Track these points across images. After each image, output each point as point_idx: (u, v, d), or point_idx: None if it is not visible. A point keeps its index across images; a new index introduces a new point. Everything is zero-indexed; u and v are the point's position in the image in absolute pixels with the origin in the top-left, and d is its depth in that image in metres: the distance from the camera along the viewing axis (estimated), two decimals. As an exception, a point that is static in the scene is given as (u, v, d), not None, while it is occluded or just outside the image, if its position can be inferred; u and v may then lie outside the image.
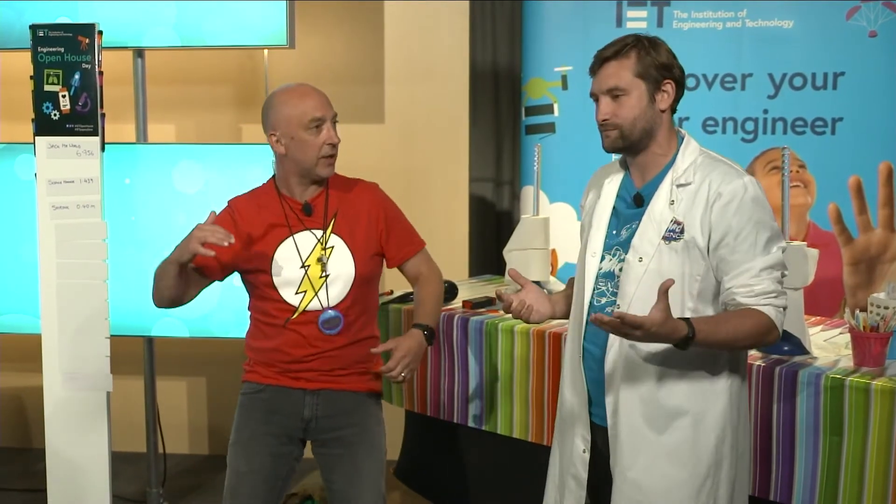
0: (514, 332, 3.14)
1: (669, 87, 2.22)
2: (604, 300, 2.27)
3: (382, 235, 2.73)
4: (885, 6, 3.77)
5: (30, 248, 3.63)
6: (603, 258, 2.29)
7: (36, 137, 3.42)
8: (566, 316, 2.47)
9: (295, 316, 2.63)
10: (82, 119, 3.39)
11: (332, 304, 2.63)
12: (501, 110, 4.54)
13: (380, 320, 3.44)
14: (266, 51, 3.82)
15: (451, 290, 3.48)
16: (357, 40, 4.58)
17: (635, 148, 2.25)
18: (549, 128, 4.07)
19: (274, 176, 2.72)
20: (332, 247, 2.65)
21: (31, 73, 3.38)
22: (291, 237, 2.64)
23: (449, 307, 3.40)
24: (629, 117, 2.20)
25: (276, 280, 2.62)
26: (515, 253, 3.50)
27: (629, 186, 2.31)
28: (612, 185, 2.34)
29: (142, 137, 3.92)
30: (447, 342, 3.30)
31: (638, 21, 3.94)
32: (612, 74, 2.21)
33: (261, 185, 2.74)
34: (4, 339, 4.37)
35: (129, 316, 3.76)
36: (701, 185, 2.17)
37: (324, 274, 2.64)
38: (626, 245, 2.24)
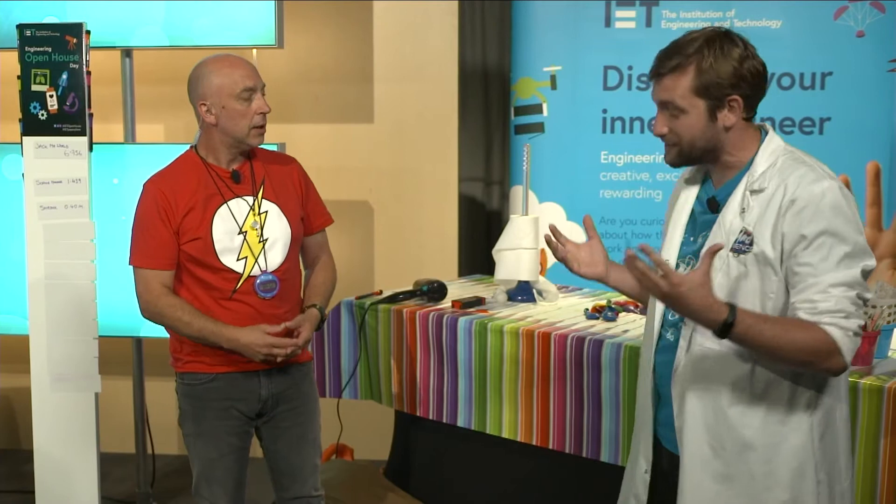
0: (503, 331, 3.14)
1: (737, 102, 1.99)
2: (677, 315, 2.06)
3: (303, 201, 2.79)
4: (873, 6, 3.79)
5: (17, 249, 3.61)
6: (678, 266, 2.11)
7: (23, 137, 3.41)
8: (620, 287, 2.29)
9: (240, 284, 2.64)
10: (70, 119, 3.38)
11: (271, 268, 2.68)
12: (491, 110, 4.54)
13: (370, 321, 3.45)
14: (255, 50, 3.81)
15: (440, 290, 3.48)
16: (346, 40, 4.57)
17: (701, 161, 2.08)
18: (539, 127, 4.07)
19: (195, 147, 2.72)
20: (266, 211, 2.69)
21: (19, 73, 3.37)
22: (225, 204, 2.65)
23: (438, 307, 3.40)
24: (687, 137, 2.02)
25: (217, 247, 2.63)
26: (505, 252, 3.50)
27: (708, 189, 2.12)
28: (692, 188, 2.16)
29: (130, 137, 3.90)
30: (436, 342, 3.30)
31: (627, 21, 3.95)
32: (668, 88, 2.01)
33: (177, 158, 2.74)
34: (-8, 340, 4.35)
35: (118, 316, 3.75)
36: (776, 192, 1.95)
37: (262, 238, 2.66)
38: (698, 254, 2.05)
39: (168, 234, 2.62)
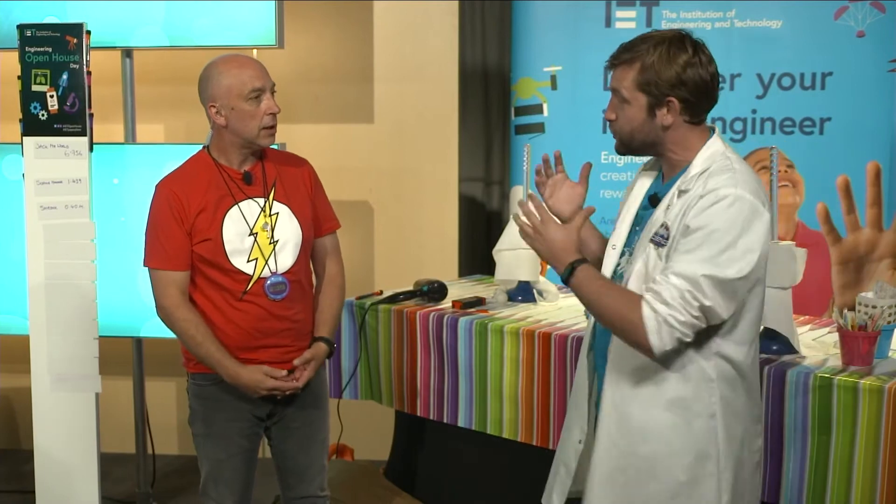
0: (503, 332, 3.14)
1: (673, 104, 2.07)
2: None
3: (313, 204, 2.78)
4: (873, 6, 3.79)
5: (18, 249, 3.61)
6: (623, 254, 2.22)
7: (24, 138, 3.41)
8: (590, 252, 2.34)
9: (250, 286, 2.64)
10: (70, 119, 3.38)
11: (281, 270, 2.67)
12: (491, 110, 4.54)
13: (370, 321, 3.45)
14: (255, 50, 3.81)
15: (440, 290, 3.48)
16: (346, 40, 4.57)
17: (645, 153, 2.19)
18: (539, 128, 4.07)
19: (207, 147, 2.71)
20: (277, 213, 2.68)
21: (19, 73, 3.37)
22: (236, 205, 2.65)
23: (439, 307, 3.40)
24: (626, 128, 2.14)
25: (227, 248, 2.63)
26: (505, 253, 3.50)
27: (657, 184, 2.22)
28: (645, 180, 2.27)
29: (130, 138, 3.90)
30: (437, 342, 3.30)
31: (627, 21, 3.95)
32: (618, 78, 2.14)
33: (189, 158, 2.73)
34: (-8, 340, 4.35)
35: (118, 316, 3.75)
36: (694, 194, 2.04)
37: (273, 240, 2.65)
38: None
39: (182, 234, 2.61)
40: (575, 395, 2.35)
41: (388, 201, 4.62)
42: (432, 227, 4.59)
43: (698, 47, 2.09)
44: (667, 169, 2.19)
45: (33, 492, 3.51)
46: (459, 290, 3.71)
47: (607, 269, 2.22)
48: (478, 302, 3.42)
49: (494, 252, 3.56)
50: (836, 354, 2.74)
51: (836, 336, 2.79)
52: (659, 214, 2.11)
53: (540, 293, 3.53)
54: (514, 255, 3.47)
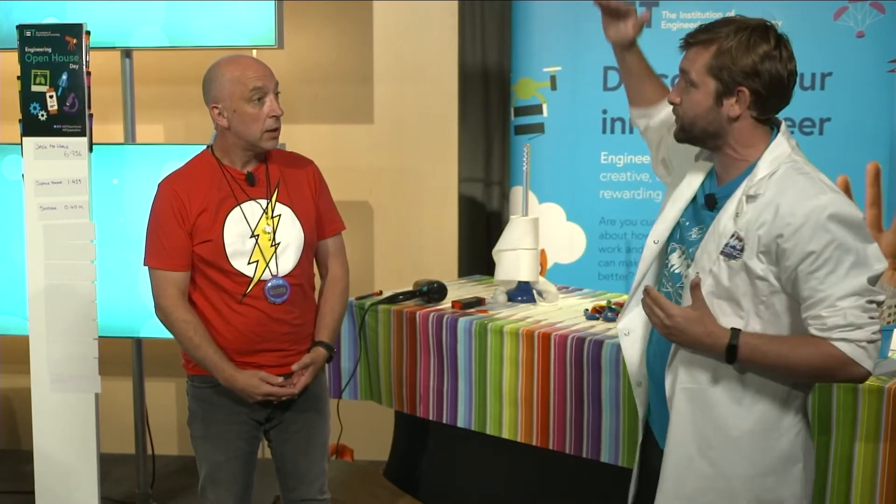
0: (503, 332, 3.14)
1: (744, 94, 1.96)
2: None
3: (317, 205, 2.76)
4: (873, 7, 3.79)
5: (17, 249, 3.61)
6: (674, 250, 2.12)
7: (23, 138, 3.41)
8: (632, 61, 2.32)
9: (250, 288, 2.62)
10: (70, 119, 3.38)
11: (282, 273, 2.65)
12: (491, 110, 4.54)
13: (370, 321, 3.45)
14: (255, 51, 3.80)
15: (440, 291, 3.48)
16: (346, 40, 4.57)
17: (704, 145, 2.07)
18: (539, 128, 4.07)
19: (211, 147, 2.70)
20: (279, 215, 2.66)
21: (19, 74, 3.37)
22: (238, 206, 2.63)
23: (438, 307, 3.40)
24: (689, 114, 2.02)
25: (228, 250, 2.61)
26: (505, 253, 3.50)
27: (711, 183, 2.10)
28: (697, 173, 2.12)
29: (130, 138, 3.90)
30: (436, 343, 3.30)
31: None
32: (690, 58, 2.00)
33: (193, 158, 2.72)
34: (-8, 341, 4.35)
35: (118, 317, 3.75)
36: (770, 203, 1.93)
37: (274, 242, 2.64)
38: (691, 248, 2.07)
39: (183, 234, 2.60)
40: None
41: (387, 201, 4.62)
42: (432, 228, 4.58)
43: (781, 41, 1.99)
44: (721, 168, 2.07)
45: (33, 492, 3.51)
46: (459, 290, 3.71)
47: (645, 262, 2.15)
48: (477, 302, 3.42)
49: (494, 252, 3.56)
50: (836, 355, 2.74)
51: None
52: (726, 223, 1.98)
53: (540, 293, 3.53)
54: (513, 255, 3.47)
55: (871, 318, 1.90)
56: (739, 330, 1.93)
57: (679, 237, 2.13)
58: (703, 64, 1.97)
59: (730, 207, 1.99)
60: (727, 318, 1.98)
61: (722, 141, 2.02)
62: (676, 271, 2.11)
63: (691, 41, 2.01)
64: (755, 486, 2.03)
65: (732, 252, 1.96)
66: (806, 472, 2.07)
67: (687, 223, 2.10)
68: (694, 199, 2.11)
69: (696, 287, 1.93)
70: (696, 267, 2.02)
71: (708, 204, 2.07)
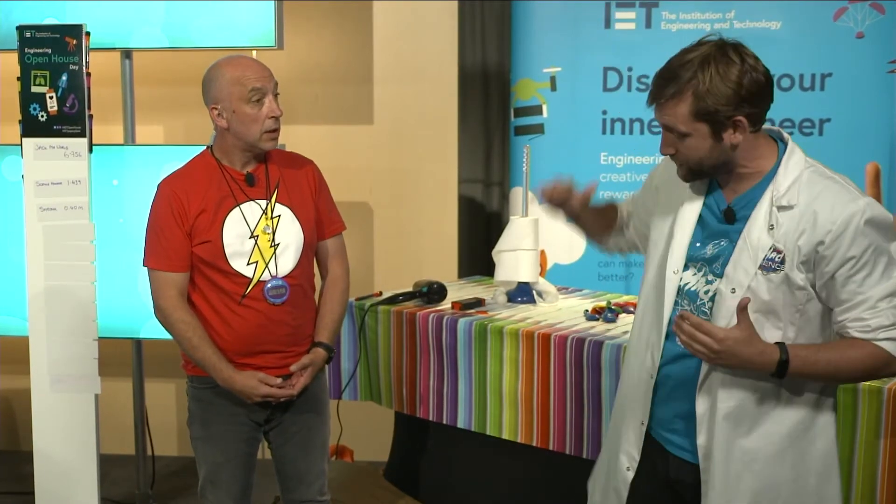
0: (503, 333, 3.14)
1: (741, 122, 1.93)
2: None
3: (317, 206, 2.75)
4: (872, 7, 3.79)
5: (17, 250, 3.61)
6: (687, 268, 2.07)
7: (23, 139, 3.41)
8: (578, 217, 2.30)
9: (250, 289, 2.62)
10: (70, 120, 3.38)
11: (282, 274, 2.64)
12: (490, 111, 4.54)
13: (370, 322, 3.45)
14: (254, 51, 3.81)
15: (440, 291, 3.48)
16: (346, 41, 4.57)
17: (714, 176, 2.04)
18: (538, 129, 4.07)
19: (211, 148, 2.70)
20: (279, 216, 2.66)
21: (19, 75, 3.37)
22: (238, 207, 2.63)
23: (438, 308, 3.40)
24: (693, 157, 1.98)
25: (227, 251, 2.61)
26: (505, 254, 3.50)
27: (719, 198, 2.06)
28: (694, 194, 2.09)
29: (130, 139, 3.90)
30: (436, 343, 3.30)
31: (626, 22, 3.95)
32: (667, 114, 1.96)
33: (192, 158, 2.71)
34: (-8, 342, 4.35)
35: (117, 318, 3.75)
36: (806, 212, 1.92)
37: (273, 243, 2.64)
38: (712, 263, 2.03)
39: (182, 235, 2.60)
40: (622, 419, 2.21)
41: (387, 202, 4.63)
42: (432, 228, 4.59)
43: (740, 50, 1.94)
44: (731, 183, 2.04)
45: (33, 493, 3.51)
46: (459, 291, 3.71)
47: (669, 293, 2.08)
48: (477, 303, 3.42)
49: (494, 253, 3.56)
50: (836, 355, 2.73)
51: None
52: (760, 235, 1.96)
53: (539, 294, 3.53)
54: (513, 256, 3.47)
55: None
56: (784, 344, 1.94)
57: (691, 257, 2.09)
58: (686, 114, 1.93)
59: (758, 219, 1.97)
60: (767, 332, 1.97)
61: (731, 165, 2.01)
62: (692, 289, 2.07)
63: (661, 100, 1.96)
64: (799, 489, 2.04)
65: (772, 265, 1.95)
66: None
67: (697, 244, 2.07)
68: (700, 219, 2.08)
69: (744, 308, 1.91)
70: (729, 283, 1.98)
71: (727, 218, 2.04)
